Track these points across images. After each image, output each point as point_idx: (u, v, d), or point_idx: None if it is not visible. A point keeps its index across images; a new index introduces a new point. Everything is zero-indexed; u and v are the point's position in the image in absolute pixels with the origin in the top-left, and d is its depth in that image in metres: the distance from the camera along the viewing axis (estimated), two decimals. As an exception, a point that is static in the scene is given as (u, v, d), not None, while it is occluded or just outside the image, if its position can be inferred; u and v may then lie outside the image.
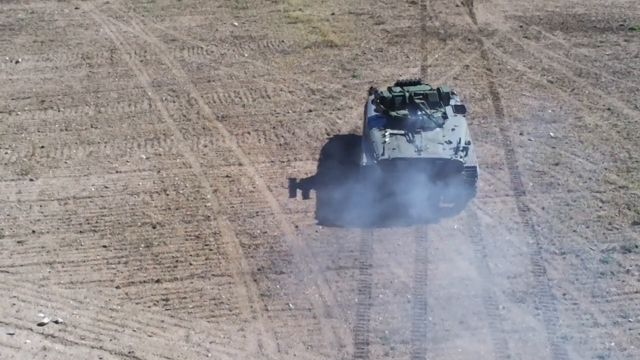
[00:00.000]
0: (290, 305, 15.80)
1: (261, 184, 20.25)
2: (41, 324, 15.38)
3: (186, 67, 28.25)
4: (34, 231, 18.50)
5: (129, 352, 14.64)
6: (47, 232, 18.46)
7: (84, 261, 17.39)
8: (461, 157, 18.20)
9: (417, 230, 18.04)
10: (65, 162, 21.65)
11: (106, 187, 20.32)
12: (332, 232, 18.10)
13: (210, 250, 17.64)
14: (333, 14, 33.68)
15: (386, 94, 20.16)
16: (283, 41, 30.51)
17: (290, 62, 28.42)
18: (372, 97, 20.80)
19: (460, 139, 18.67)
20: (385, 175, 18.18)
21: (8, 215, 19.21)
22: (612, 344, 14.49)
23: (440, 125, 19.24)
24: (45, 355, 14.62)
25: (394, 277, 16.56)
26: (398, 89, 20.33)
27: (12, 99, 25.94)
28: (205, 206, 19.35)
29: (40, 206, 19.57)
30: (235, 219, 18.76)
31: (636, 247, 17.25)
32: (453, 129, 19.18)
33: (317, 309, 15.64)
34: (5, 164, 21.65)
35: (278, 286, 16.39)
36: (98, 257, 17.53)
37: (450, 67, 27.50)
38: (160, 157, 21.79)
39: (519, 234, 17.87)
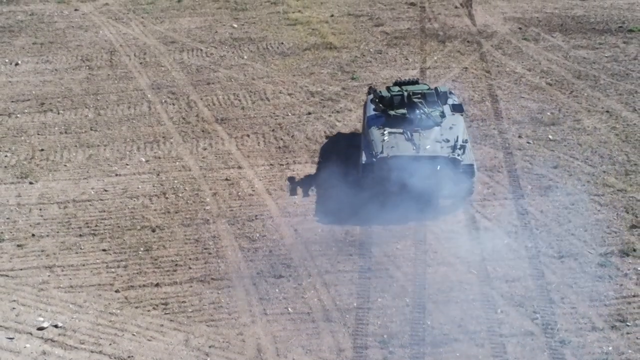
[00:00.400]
0: (289, 309, 15.85)
1: (260, 187, 20.29)
2: (41, 328, 15.42)
3: (185, 69, 28.29)
4: (33, 235, 18.54)
5: (129, 357, 14.68)
6: (47, 236, 18.50)
7: (84, 265, 17.43)
8: (458, 155, 18.43)
9: (416, 234, 18.09)
10: (65, 165, 21.69)
11: (106, 191, 20.36)
12: (331, 236, 18.14)
13: (210, 254, 17.69)
14: (332, 15, 33.73)
15: (385, 93, 20.40)
16: (282, 43, 30.55)
17: (289, 64, 28.46)
18: (371, 96, 20.98)
19: (457, 137, 18.93)
20: (384, 173, 18.35)
21: (8, 218, 19.26)
22: (610, 348, 14.53)
23: (438, 124, 19.47)
24: (45, 360, 14.70)
25: (392, 280, 16.61)
26: (397, 88, 20.57)
27: (12, 102, 25.98)
28: (204, 209, 19.39)
29: (40, 209, 19.61)
30: (234, 223, 18.80)
31: (634, 250, 17.29)
32: (451, 128, 19.41)
33: (316, 313, 15.68)
34: (5, 167, 21.69)
35: (277, 290, 16.43)
36: (97, 260, 17.57)
37: (449, 69, 27.54)
38: (159, 160, 21.83)
39: (518, 237, 17.92)
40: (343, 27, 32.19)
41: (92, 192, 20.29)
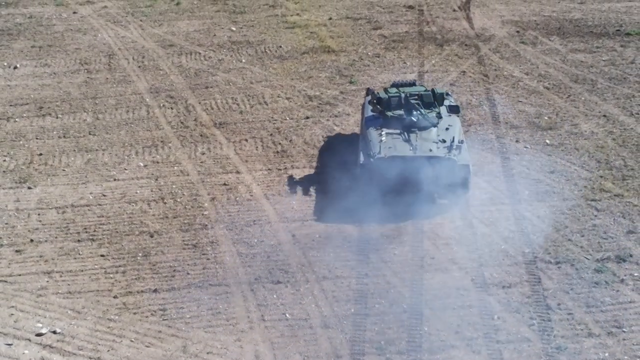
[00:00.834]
0: (287, 315, 15.90)
1: (258, 192, 20.35)
2: (39, 335, 15.47)
3: (184, 73, 28.34)
4: (32, 240, 18.59)
5: (127, 363, 14.75)
6: (46, 241, 18.54)
7: (82, 271, 17.48)
8: (454, 155, 18.76)
9: (414, 240, 18.15)
10: (64, 170, 21.74)
11: (104, 196, 20.41)
12: (328, 241, 18.19)
13: (208, 259, 17.74)
14: (330, 18, 33.79)
15: (382, 94, 20.80)
16: (280, 46, 30.61)
17: (287, 68, 28.52)
18: (369, 97, 21.30)
19: (454, 138, 19.32)
20: (382, 173, 18.61)
21: (6, 223, 19.30)
22: (607, 354, 14.59)
23: (435, 125, 19.80)
24: (44, 366, 14.75)
25: (390, 286, 16.67)
26: (394, 90, 20.98)
27: (11, 106, 26.02)
28: (202, 214, 19.44)
29: (39, 214, 19.66)
30: (232, 228, 18.85)
31: (631, 256, 17.36)
32: (447, 129, 19.77)
33: (314, 319, 15.73)
34: (4, 171, 21.74)
35: (275, 296, 16.48)
36: (96, 266, 17.61)
37: (447, 73, 27.61)
38: (158, 165, 21.89)
39: (515, 243, 17.97)
40: (341, 30, 32.25)
41: (91, 197, 20.34)
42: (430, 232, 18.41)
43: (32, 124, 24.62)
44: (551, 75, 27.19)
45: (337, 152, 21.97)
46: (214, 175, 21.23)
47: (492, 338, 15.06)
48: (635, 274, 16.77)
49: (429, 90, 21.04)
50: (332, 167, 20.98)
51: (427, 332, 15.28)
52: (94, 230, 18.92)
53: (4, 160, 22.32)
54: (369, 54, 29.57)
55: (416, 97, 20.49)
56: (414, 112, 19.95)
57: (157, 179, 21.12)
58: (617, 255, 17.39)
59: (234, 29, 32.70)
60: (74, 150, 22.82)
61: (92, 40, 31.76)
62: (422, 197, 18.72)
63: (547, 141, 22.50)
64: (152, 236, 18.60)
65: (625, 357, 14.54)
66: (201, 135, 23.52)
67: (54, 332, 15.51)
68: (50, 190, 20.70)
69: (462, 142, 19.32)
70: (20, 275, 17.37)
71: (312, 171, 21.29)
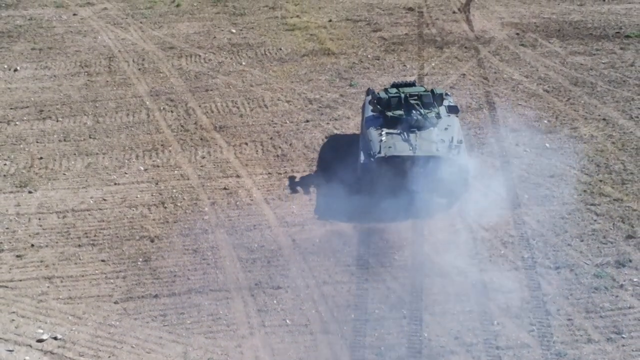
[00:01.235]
0: (287, 321, 15.95)
1: (258, 197, 20.39)
2: (40, 340, 15.52)
3: (184, 75, 28.37)
4: (32, 245, 18.63)
5: (128, 369, 14.80)
6: (46, 246, 18.58)
7: (83, 276, 17.52)
8: (453, 155, 19.03)
9: (414, 244, 18.20)
10: (64, 174, 21.77)
11: (104, 200, 20.44)
12: (328, 246, 18.24)
13: (208, 264, 17.78)
14: (330, 20, 33.79)
15: (383, 95, 21.05)
16: (280, 49, 30.63)
17: (287, 70, 28.55)
18: (369, 98, 21.55)
19: (452, 138, 19.55)
20: (382, 172, 18.86)
21: (7, 228, 19.34)
22: (606, 360, 14.66)
23: (434, 125, 20.05)
24: (45, 372, 14.80)
25: (390, 292, 16.71)
26: (394, 90, 21.24)
27: (11, 109, 26.04)
28: (203, 219, 19.48)
29: (39, 219, 19.69)
30: (232, 233, 18.89)
31: (630, 261, 17.40)
32: (446, 128, 20.03)
33: (314, 325, 15.79)
34: (4, 175, 21.77)
35: (275, 301, 16.53)
36: (96, 271, 17.66)
37: (447, 75, 27.64)
38: (158, 169, 21.92)
39: (514, 247, 18.02)
40: (341, 32, 32.27)
41: (91, 202, 20.38)
42: (430, 237, 18.44)
43: (32, 127, 24.64)
44: (551, 78, 27.22)
45: (337, 155, 21.97)
46: (214, 180, 21.26)
47: (491, 344, 15.12)
48: (635, 280, 16.82)
49: (428, 91, 21.33)
50: (332, 171, 21.01)
51: (427, 338, 15.33)
52: (95, 235, 18.96)
53: (5, 164, 22.34)
54: (369, 56, 29.59)
55: (416, 97, 20.77)
56: (414, 112, 20.23)
57: (157, 183, 21.15)
58: (617, 261, 17.44)
59: (234, 31, 32.72)
60: (75, 154, 22.85)
61: (92, 43, 31.77)
62: (422, 196, 18.90)
63: (547, 145, 22.53)
64: (152, 241, 18.64)
65: (625, 363, 14.59)
66: (201, 139, 23.55)
67: (55, 338, 15.56)
68: (51, 195, 20.73)
69: (461, 141, 19.59)
70: (21, 280, 17.42)
71: (312, 175, 21.31)
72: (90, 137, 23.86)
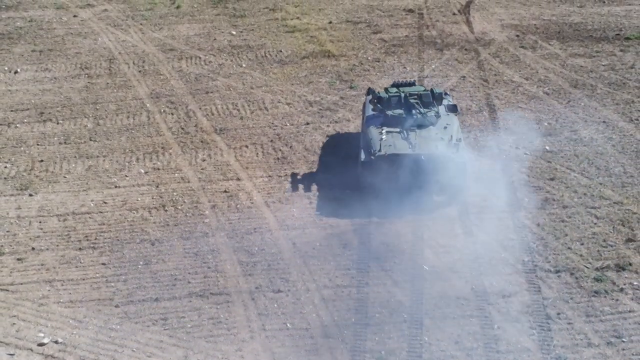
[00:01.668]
0: (288, 324, 15.96)
1: (259, 200, 20.41)
2: (41, 344, 15.53)
3: (184, 77, 28.39)
4: (33, 248, 18.65)
5: (128, 373, 14.82)
6: (47, 249, 18.60)
7: (84, 279, 17.54)
8: (452, 153, 19.29)
9: (414, 248, 18.22)
10: (65, 177, 21.80)
11: (105, 203, 20.47)
12: (329, 250, 18.26)
13: (209, 268, 17.80)
14: (330, 22, 33.82)
15: (383, 94, 21.47)
16: (281, 51, 30.66)
17: (287, 72, 28.57)
18: (370, 97, 21.86)
19: (451, 136, 19.90)
20: (382, 170, 19.09)
21: (8, 231, 19.36)
22: (606, 364, 14.68)
23: (433, 124, 20.38)
24: (46, 376, 14.82)
25: (390, 296, 16.72)
26: (394, 89, 21.65)
27: (11, 111, 26.07)
28: (203, 222, 19.50)
29: (40, 222, 19.71)
30: (233, 236, 18.91)
31: (630, 265, 17.42)
32: (445, 127, 20.34)
33: (315, 329, 15.80)
34: (5, 178, 21.79)
35: (276, 305, 16.55)
36: (97, 275, 17.67)
37: (447, 78, 27.67)
38: (158, 172, 21.94)
39: (515, 251, 18.04)
40: (341, 34, 32.29)
41: (92, 205, 20.40)
42: (430, 240, 18.46)
43: (32, 129, 24.66)
44: (551, 80, 27.24)
45: (337, 157, 22.00)
46: (214, 182, 21.29)
47: (492, 348, 15.13)
48: (635, 283, 16.84)
49: (427, 90, 21.64)
50: (333, 174, 21.06)
51: (428, 342, 15.35)
52: (95, 238, 18.98)
53: (5, 167, 22.37)
54: (369, 58, 29.62)
55: (415, 96, 21.10)
56: (414, 111, 20.55)
57: (158, 186, 21.17)
58: (617, 264, 17.45)
59: (234, 33, 32.74)
60: (75, 157, 22.87)
61: (93, 44, 31.79)
62: (421, 193, 19.14)
63: (547, 147, 22.56)
64: (153, 244, 18.66)
65: (625, 368, 14.60)
66: (202, 142, 23.57)
67: (56, 342, 15.58)
68: (52, 198, 20.75)
69: (459, 140, 19.90)
70: (21, 284, 17.44)
71: (312, 178, 21.32)
72: (90, 140, 23.88)
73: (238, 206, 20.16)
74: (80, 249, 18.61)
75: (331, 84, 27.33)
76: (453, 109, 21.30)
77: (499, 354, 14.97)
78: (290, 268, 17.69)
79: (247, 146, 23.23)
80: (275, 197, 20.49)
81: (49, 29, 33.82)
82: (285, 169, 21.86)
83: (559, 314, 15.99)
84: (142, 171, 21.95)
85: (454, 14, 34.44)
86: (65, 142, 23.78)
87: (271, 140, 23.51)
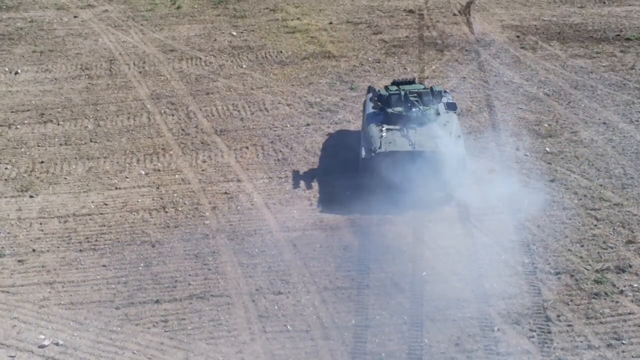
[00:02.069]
0: (288, 327, 15.99)
1: (259, 201, 20.43)
2: (42, 346, 15.56)
3: (185, 78, 28.40)
4: (34, 250, 18.67)
5: (129, 376, 14.84)
6: (48, 251, 18.63)
7: (84, 281, 17.56)
8: (451, 150, 19.57)
9: (414, 250, 18.24)
10: (65, 178, 21.82)
11: (106, 204, 20.49)
12: (329, 252, 18.28)
13: (209, 269, 17.82)
14: (331, 23, 33.81)
15: (383, 92, 21.72)
16: (281, 52, 30.66)
17: (288, 73, 28.58)
18: (370, 95, 22.13)
19: (451, 134, 20.19)
20: (382, 167, 19.32)
21: (8, 233, 19.38)
22: (606, 367, 14.71)
23: (433, 121, 20.61)
24: (46, 379, 14.85)
25: (390, 297, 16.74)
26: (394, 87, 21.88)
27: (12, 112, 26.07)
28: (204, 224, 19.52)
29: (41, 224, 19.73)
30: (233, 238, 18.93)
31: (630, 266, 17.44)
32: (445, 125, 20.63)
33: (315, 331, 15.83)
34: (6, 179, 21.81)
35: (276, 307, 16.57)
36: (98, 276, 17.70)
37: (448, 78, 27.67)
38: (159, 173, 21.96)
39: (515, 253, 18.06)
40: (342, 35, 32.29)
41: (92, 206, 20.42)
42: (431, 242, 18.48)
43: (33, 131, 24.68)
44: (551, 81, 27.25)
45: (338, 159, 22.02)
46: (215, 184, 21.31)
47: (492, 350, 15.17)
48: (635, 285, 16.87)
49: (427, 88, 21.86)
50: (333, 176, 21.09)
51: (428, 344, 15.37)
52: (96, 240, 19.01)
53: (6, 169, 22.39)
54: (370, 59, 29.63)
55: (415, 94, 21.31)
56: (413, 109, 20.75)
57: (158, 188, 21.20)
58: (617, 266, 17.48)
59: (234, 33, 32.74)
60: (76, 158, 22.89)
61: (93, 45, 31.80)
62: (421, 190, 19.25)
63: (547, 149, 22.57)
64: (153, 246, 18.69)
65: (625, 370, 14.63)
66: (202, 143, 23.59)
67: (57, 344, 15.61)
68: (52, 199, 20.77)
69: (459, 137, 20.20)
70: (22, 285, 17.47)
71: (312, 179, 21.34)
72: (91, 141, 23.89)
73: (238, 208, 20.17)
74: (80, 250, 18.63)
75: (331, 85, 27.35)
76: (452, 106, 21.55)
77: (499, 356, 15.00)
78: (291, 270, 17.72)
79: (247, 147, 23.25)
80: (275, 199, 20.51)
81: (49, 29, 33.81)
82: (285, 171, 21.88)
83: (559, 316, 16.01)
84: (143, 172, 21.98)
85: (454, 14, 34.43)
86: (65, 144, 23.79)
87: (271, 142, 23.53)
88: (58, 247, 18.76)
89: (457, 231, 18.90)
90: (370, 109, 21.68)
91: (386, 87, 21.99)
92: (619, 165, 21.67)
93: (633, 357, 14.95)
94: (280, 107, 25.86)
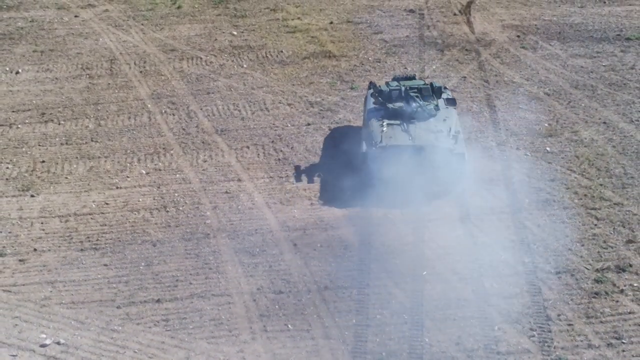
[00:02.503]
0: (289, 326, 16.03)
1: (260, 201, 20.46)
2: (43, 345, 15.59)
3: (185, 78, 28.43)
4: (35, 249, 18.70)
5: (130, 375, 14.87)
6: (49, 250, 18.66)
7: (85, 280, 17.59)
8: (451, 145, 19.93)
9: (415, 249, 18.27)
10: (66, 178, 21.85)
11: (107, 204, 20.52)
12: (330, 251, 18.32)
13: (210, 269, 17.86)
14: (331, 22, 33.84)
15: (384, 88, 22.21)
16: (282, 51, 30.69)
17: (288, 73, 28.61)
18: (371, 90, 22.57)
19: (450, 129, 20.51)
20: (383, 161, 19.69)
21: (10, 232, 19.42)
22: (606, 366, 14.73)
23: (433, 116, 21.01)
24: (48, 378, 14.89)
25: (391, 297, 16.78)
26: (395, 83, 22.39)
27: (13, 112, 26.10)
28: (204, 223, 19.55)
29: (42, 223, 19.77)
30: (234, 237, 18.97)
31: (630, 266, 17.48)
32: (444, 120, 21.06)
33: (315, 330, 15.86)
34: (7, 179, 21.84)
35: (277, 306, 16.60)
36: (99, 276, 17.73)
37: (448, 78, 27.70)
38: (160, 173, 21.99)
39: (515, 252, 18.08)
40: (342, 34, 32.32)
41: (93, 206, 20.45)
42: (431, 242, 18.51)
43: (34, 130, 24.71)
44: (551, 81, 27.28)
45: (338, 158, 22.04)
46: (215, 183, 21.34)
47: (492, 349, 15.21)
48: (635, 284, 16.90)
49: (427, 84, 22.28)
50: (334, 175, 21.12)
51: (428, 344, 15.40)
52: (97, 239, 19.04)
53: (7, 168, 22.42)
54: (370, 59, 29.66)
55: (415, 90, 21.80)
56: (414, 104, 21.14)
57: (159, 187, 21.23)
58: (617, 265, 17.52)
59: (235, 33, 32.77)
60: (77, 158, 22.92)
61: (94, 45, 31.82)
62: (421, 183, 19.49)
63: (548, 148, 22.60)
64: (154, 245, 18.72)
65: (625, 369, 14.66)
66: (203, 142, 23.62)
67: (58, 343, 15.64)
68: (53, 199, 20.80)
69: (458, 132, 20.47)
70: (24, 285, 17.50)
71: (313, 178, 21.37)
72: (92, 141, 23.92)
73: (239, 207, 20.21)
74: (82, 250, 18.66)
75: (332, 85, 27.38)
76: (452, 102, 21.97)
77: (500, 355, 15.03)
78: (292, 269, 17.75)
79: (248, 147, 23.28)
80: (276, 198, 20.54)
81: (50, 29, 33.84)
82: (286, 170, 21.92)
83: (559, 315, 16.05)
84: (144, 172, 22.01)
85: (454, 14, 34.46)
86: (66, 143, 23.82)
87: (272, 141, 23.56)
88: (59, 247, 18.79)
89: (457, 231, 18.90)
90: (371, 104, 22.06)
91: (387, 83, 22.43)
92: (619, 164, 21.70)
93: (633, 356, 14.98)
94: (280, 106, 25.89)
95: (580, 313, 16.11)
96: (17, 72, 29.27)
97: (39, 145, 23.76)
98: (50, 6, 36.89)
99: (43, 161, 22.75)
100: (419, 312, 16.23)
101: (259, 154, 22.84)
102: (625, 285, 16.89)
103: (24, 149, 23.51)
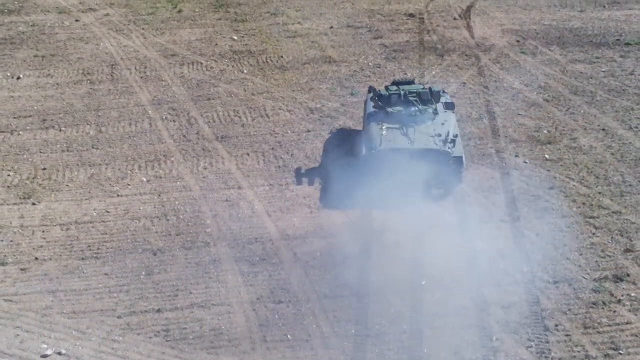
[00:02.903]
0: (289, 336, 16.14)
1: (260, 209, 20.56)
2: (44, 356, 15.72)
3: (186, 83, 28.51)
4: (36, 258, 18.81)
5: (131, 385, 14.99)
6: (50, 259, 18.77)
7: (86, 289, 17.70)
8: (449, 148, 20.30)
9: (414, 258, 18.36)
10: (67, 185, 21.94)
11: (107, 212, 20.62)
12: (329, 260, 18.42)
13: (210, 278, 17.96)
14: (331, 27, 33.91)
15: (383, 92, 22.57)
16: (282, 56, 30.77)
17: (288, 78, 28.69)
18: (371, 94, 22.82)
19: (448, 132, 20.84)
20: (382, 164, 19.99)
21: (11, 241, 19.52)
22: (603, 376, 14.83)
23: (432, 120, 21.38)
24: (49, 388, 15.00)
25: (390, 306, 16.88)
26: (394, 87, 22.72)
27: (14, 118, 26.18)
28: (205, 232, 19.66)
29: (43, 231, 19.87)
30: (234, 246, 19.07)
31: (628, 275, 17.58)
32: (443, 123, 21.29)
33: (315, 340, 15.97)
34: (8, 186, 21.94)
35: (276, 316, 16.71)
36: (100, 285, 17.84)
37: (448, 84, 27.77)
38: (160, 180, 22.09)
39: (513, 261, 18.18)
40: (342, 39, 32.39)
41: (94, 214, 20.55)
42: (430, 250, 18.60)
43: (35, 137, 24.80)
44: (551, 86, 27.36)
45: (338, 165, 22.11)
46: (216, 191, 21.44)
47: (490, 359, 15.27)
48: (632, 294, 17.00)
49: (426, 88, 22.51)
50: (334, 182, 21.21)
51: (427, 353, 15.51)
52: (98, 248, 19.14)
53: (8, 175, 22.51)
54: (370, 64, 29.74)
55: (414, 94, 22.11)
56: (413, 108, 21.50)
57: (159, 195, 21.33)
58: (615, 275, 17.62)
59: (235, 37, 32.85)
60: (78, 165, 23.02)
61: (95, 50, 31.90)
62: (419, 187, 19.84)
63: (546, 156, 22.69)
64: (155, 254, 18.83)
65: (622, 380, 14.76)
66: (203, 149, 23.71)
67: (59, 354, 15.76)
68: (54, 207, 20.91)
69: (456, 136, 20.78)
70: (25, 294, 17.61)
71: (313, 186, 21.47)
72: (93, 147, 24.02)
73: (239, 215, 20.31)
74: (83, 258, 18.77)
75: (332, 91, 27.47)
76: (450, 106, 22.23)
77: (498, 365, 15.13)
78: (291, 278, 17.85)
79: (248, 154, 23.37)
80: (276, 206, 20.64)
81: (51, 33, 33.92)
82: (286, 177, 22.02)
83: (556, 325, 16.15)
84: (144, 179, 22.11)
85: (454, 18, 34.53)
86: (67, 150, 23.92)
87: (272, 148, 23.66)
88: (60, 255, 18.90)
89: (456, 239, 18.99)
90: (370, 108, 22.33)
91: (386, 87, 22.70)
92: (618, 172, 21.79)
93: (630, 366, 15.08)
94: (281, 113, 25.99)
95: (578, 323, 16.21)
96: (19, 78, 29.35)
97: (40, 152, 23.85)
98: (51, 10, 36.97)
99: (44, 168, 22.85)
100: (418, 321, 16.33)
101: (259, 161, 22.94)
102: (622, 295, 17.00)
103: (25, 156, 23.61)
